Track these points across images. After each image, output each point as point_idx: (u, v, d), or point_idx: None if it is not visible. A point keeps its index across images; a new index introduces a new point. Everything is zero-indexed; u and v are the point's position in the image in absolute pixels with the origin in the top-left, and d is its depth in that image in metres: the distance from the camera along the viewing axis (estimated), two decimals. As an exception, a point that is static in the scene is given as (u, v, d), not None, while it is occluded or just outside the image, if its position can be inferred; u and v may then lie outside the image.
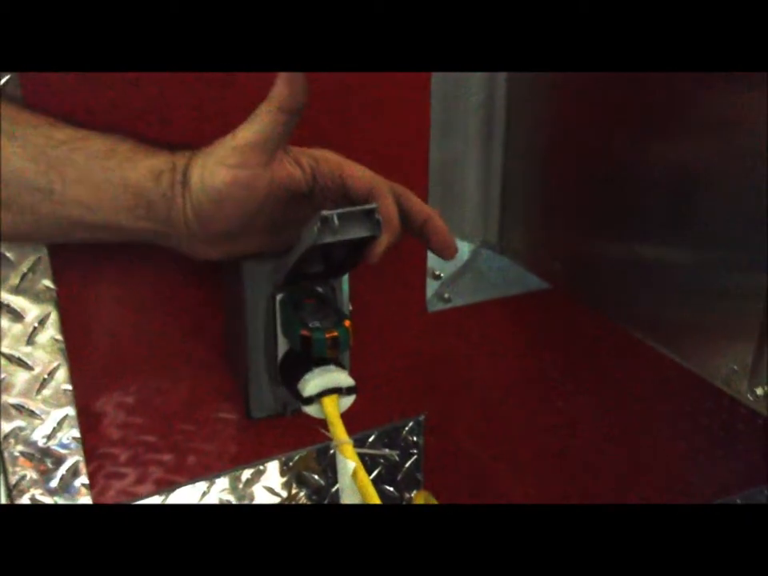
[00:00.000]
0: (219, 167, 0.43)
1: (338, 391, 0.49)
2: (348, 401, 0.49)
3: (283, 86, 0.41)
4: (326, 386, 0.48)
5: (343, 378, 0.49)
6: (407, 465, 0.67)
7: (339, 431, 0.48)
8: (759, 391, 0.43)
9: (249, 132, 0.42)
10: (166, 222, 0.44)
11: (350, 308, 0.56)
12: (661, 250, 0.50)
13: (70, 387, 0.52)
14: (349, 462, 0.46)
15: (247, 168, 0.43)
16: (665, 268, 0.49)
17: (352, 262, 0.48)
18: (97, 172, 0.42)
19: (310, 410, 0.49)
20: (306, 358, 0.49)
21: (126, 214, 0.43)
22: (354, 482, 0.47)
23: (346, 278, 0.54)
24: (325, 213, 0.42)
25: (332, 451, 0.63)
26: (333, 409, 0.48)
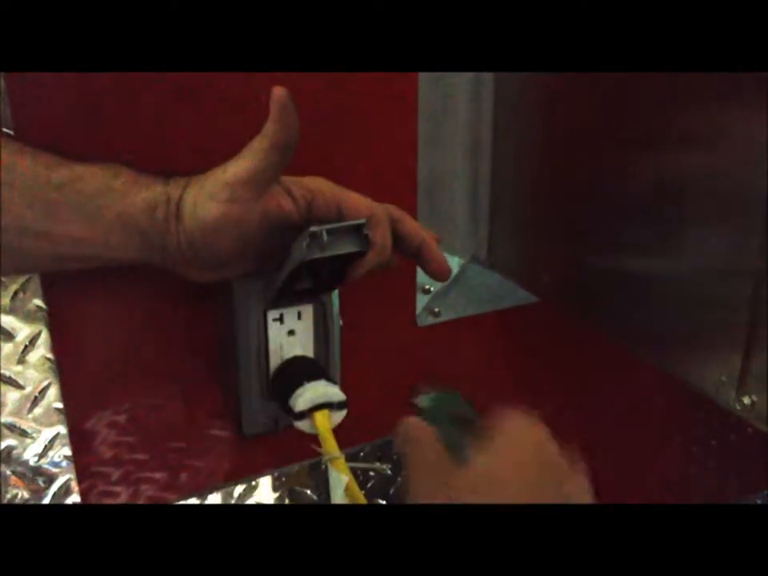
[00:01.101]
0: (210, 202, 0.43)
1: (329, 406, 0.49)
2: (339, 415, 0.50)
3: (276, 124, 0.42)
4: (318, 401, 0.49)
5: (334, 393, 0.49)
6: (400, 478, 0.67)
7: (331, 446, 0.48)
8: (746, 400, 0.44)
9: (240, 167, 0.43)
10: (160, 250, 0.44)
11: (341, 323, 0.56)
12: (648, 263, 0.50)
13: (61, 406, 0.52)
14: (341, 476, 0.47)
15: (238, 203, 0.43)
16: (652, 280, 0.50)
17: (340, 278, 0.49)
18: (93, 210, 0.42)
19: (302, 425, 0.49)
20: (296, 374, 0.50)
21: (121, 247, 0.44)
22: (347, 496, 0.47)
23: (336, 293, 0.55)
24: (314, 228, 0.42)
25: (324, 466, 0.63)
26: (324, 423, 0.48)
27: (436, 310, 0.64)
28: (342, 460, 0.47)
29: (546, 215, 0.58)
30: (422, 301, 0.63)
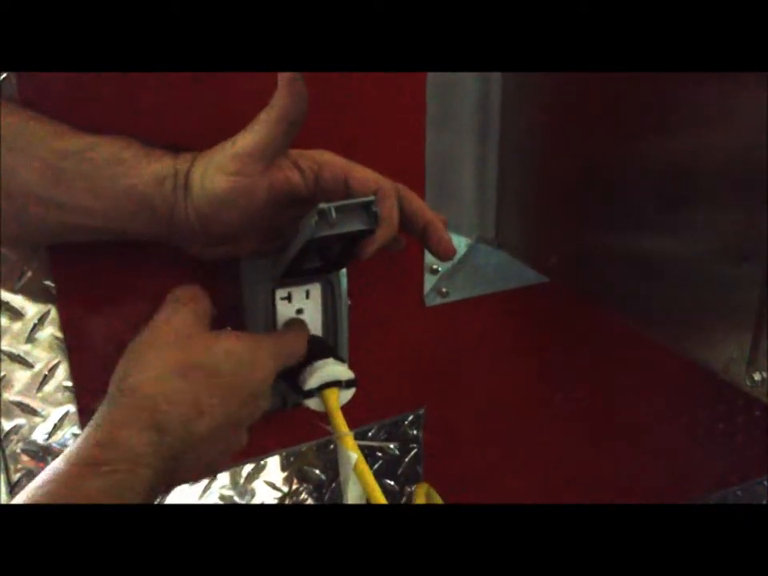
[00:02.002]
0: (218, 174, 0.43)
1: (337, 384, 0.49)
2: (348, 394, 0.50)
3: (284, 96, 0.41)
4: (326, 379, 0.49)
5: (343, 371, 0.49)
6: (407, 458, 0.67)
7: (340, 423, 0.48)
8: (757, 377, 0.43)
9: (248, 140, 0.43)
10: (168, 225, 0.44)
11: (348, 303, 0.56)
12: (657, 242, 0.50)
13: (70, 384, 0.52)
14: (350, 454, 0.47)
15: (246, 175, 0.43)
16: (661, 259, 0.49)
17: (349, 256, 0.48)
18: (103, 180, 0.42)
19: (311, 403, 0.49)
20: (306, 352, 0.50)
21: (130, 219, 0.44)
22: (356, 474, 0.47)
23: (344, 272, 0.55)
24: (322, 205, 0.42)
25: (332, 447, 0.63)
26: (333, 401, 0.49)
27: (444, 290, 0.64)
28: (351, 437, 0.48)
29: (554, 195, 0.57)
30: (429, 281, 0.63)
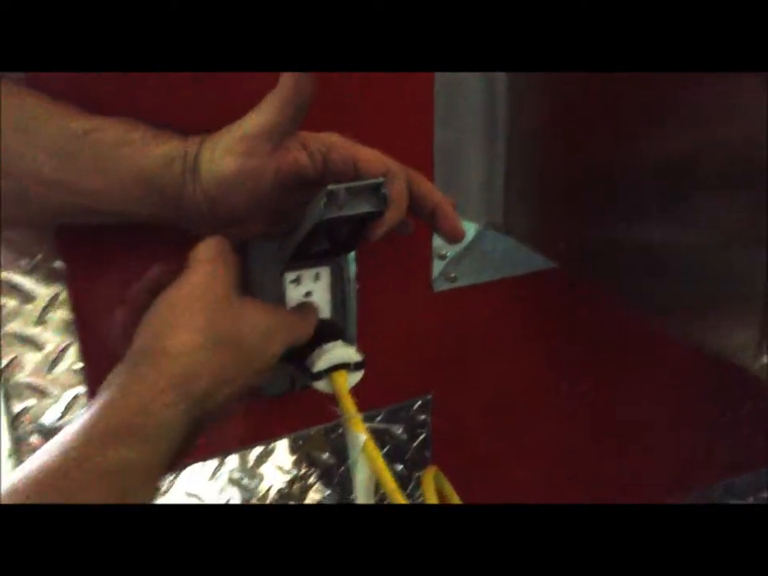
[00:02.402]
0: (226, 155, 0.43)
1: (346, 367, 0.49)
2: (356, 376, 0.50)
3: (291, 78, 0.42)
4: (335, 361, 0.49)
5: (351, 354, 0.49)
6: (415, 444, 0.67)
7: (349, 405, 0.48)
8: (765, 360, 0.43)
9: (256, 122, 0.43)
10: (176, 207, 0.44)
11: (357, 287, 0.56)
12: (663, 231, 0.50)
13: (81, 365, 0.52)
14: (359, 436, 0.47)
15: (254, 157, 0.43)
16: (668, 248, 0.49)
17: (357, 239, 0.48)
18: (110, 162, 0.42)
19: (320, 385, 0.49)
20: (314, 335, 0.50)
21: (137, 201, 0.44)
22: (364, 456, 0.47)
23: (352, 257, 0.55)
24: (331, 187, 0.42)
25: (341, 431, 0.64)
26: (342, 384, 0.49)
27: (452, 275, 0.64)
28: (360, 420, 0.48)
29: (562, 182, 0.57)
30: (438, 266, 0.63)
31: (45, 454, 0.36)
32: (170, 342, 0.40)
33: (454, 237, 0.49)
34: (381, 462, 0.48)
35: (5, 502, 0.33)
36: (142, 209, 0.44)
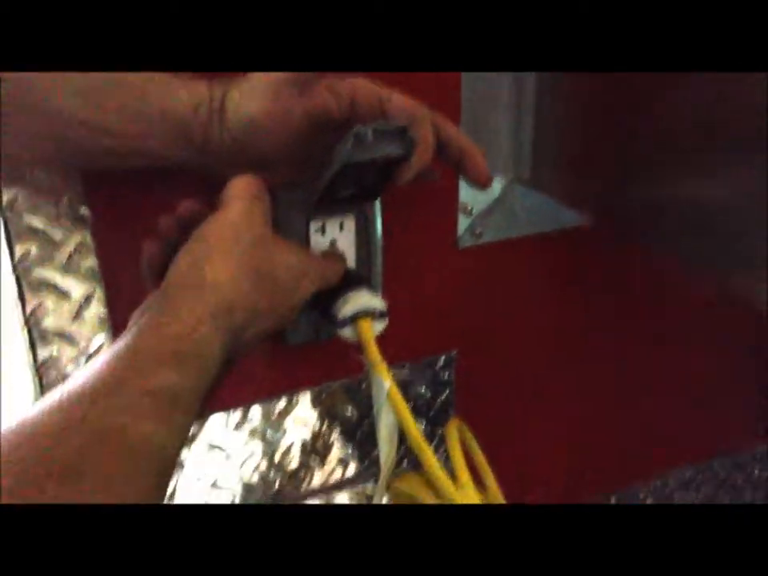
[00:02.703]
0: (254, 98, 0.43)
1: (371, 314, 0.49)
2: (381, 324, 0.50)
3: None
4: (360, 308, 0.48)
5: (377, 302, 0.49)
6: (438, 401, 0.67)
7: (373, 353, 0.48)
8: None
9: None
10: (203, 151, 0.44)
11: (382, 242, 0.56)
12: (696, 182, 0.49)
13: (106, 313, 0.53)
14: (384, 382, 0.47)
15: (281, 99, 0.43)
16: (700, 198, 0.49)
17: (384, 184, 0.48)
18: (138, 103, 0.42)
19: (344, 332, 0.49)
20: (339, 282, 0.49)
21: (164, 143, 0.44)
22: (389, 403, 0.47)
23: (378, 210, 0.54)
24: (358, 128, 0.42)
25: (363, 385, 0.63)
26: (367, 331, 0.48)
27: (478, 231, 0.63)
28: (385, 366, 0.47)
29: (592, 134, 0.56)
30: (463, 222, 0.62)
31: (75, 381, 0.35)
32: (208, 275, 0.39)
33: (482, 182, 0.48)
34: (405, 410, 0.47)
35: (29, 431, 0.33)
36: (168, 152, 0.44)
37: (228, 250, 0.40)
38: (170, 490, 0.60)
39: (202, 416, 0.41)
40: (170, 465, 0.35)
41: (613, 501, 0.83)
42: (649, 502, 0.85)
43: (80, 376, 0.35)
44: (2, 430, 0.32)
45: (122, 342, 0.37)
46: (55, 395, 0.34)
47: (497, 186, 0.62)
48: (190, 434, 0.58)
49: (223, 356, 0.39)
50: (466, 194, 0.61)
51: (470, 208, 0.62)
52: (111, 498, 0.31)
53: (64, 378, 0.53)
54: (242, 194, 0.42)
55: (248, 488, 0.62)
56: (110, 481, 0.31)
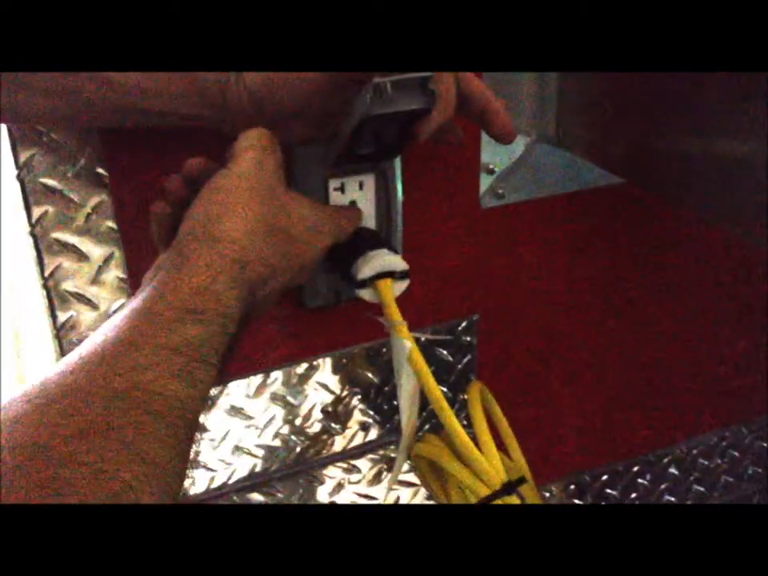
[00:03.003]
0: None
1: (391, 275, 0.48)
2: (402, 285, 0.49)
3: None
4: (380, 269, 0.48)
5: (397, 262, 0.48)
6: (460, 365, 0.66)
7: (394, 313, 0.47)
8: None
9: None
10: (221, 108, 0.43)
11: (402, 202, 0.55)
12: (722, 137, 0.47)
13: (125, 276, 0.52)
14: (405, 343, 0.46)
15: None
16: (726, 153, 0.47)
17: (404, 141, 0.47)
18: None
19: (364, 293, 0.48)
20: (358, 243, 0.49)
21: (182, 100, 0.43)
22: (410, 364, 0.46)
23: (398, 170, 0.53)
24: (377, 80, 0.41)
25: (384, 350, 0.63)
26: (387, 291, 0.48)
27: (500, 191, 0.62)
28: (405, 327, 0.47)
29: (617, 90, 0.55)
30: (485, 182, 0.61)
31: (95, 341, 0.34)
32: (224, 228, 0.38)
33: (505, 137, 0.47)
34: (426, 370, 0.47)
35: (53, 392, 0.32)
36: (186, 109, 0.43)
37: (242, 203, 0.39)
38: (192, 454, 0.60)
39: (222, 379, 0.40)
40: (193, 422, 0.35)
41: (635, 468, 0.82)
42: (672, 468, 0.84)
43: (99, 335, 0.34)
44: (26, 390, 0.32)
45: (138, 300, 0.36)
46: (74, 356, 0.33)
47: (520, 144, 0.61)
48: (211, 400, 0.58)
49: (241, 311, 0.38)
50: (489, 152, 0.60)
51: (492, 167, 0.61)
52: (135, 458, 0.30)
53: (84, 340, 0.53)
54: (253, 146, 0.41)
55: (270, 451, 0.62)
56: (135, 439, 0.31)
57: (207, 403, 0.36)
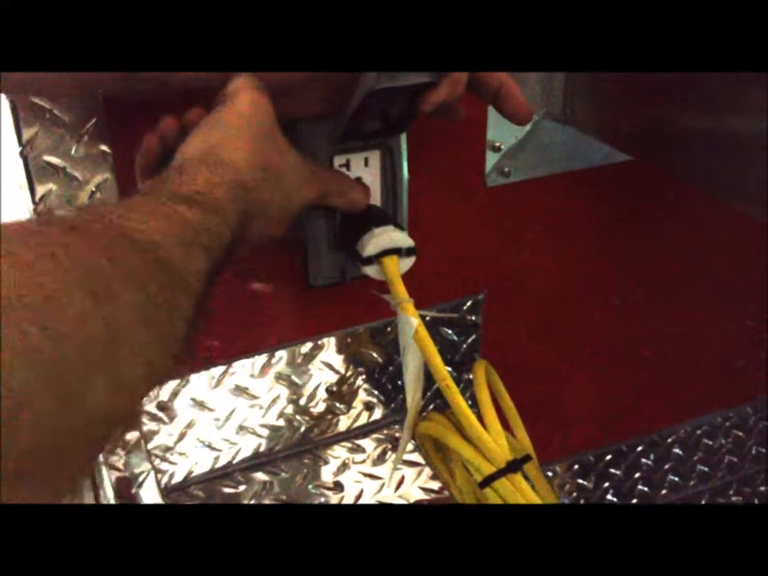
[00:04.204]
0: None
1: (397, 252, 0.48)
2: (408, 262, 0.49)
3: None
4: (386, 246, 0.47)
5: (403, 238, 0.48)
6: (465, 344, 0.66)
7: (400, 290, 0.47)
8: None
9: None
10: (226, 76, 0.43)
11: (408, 179, 0.54)
12: (737, 112, 0.47)
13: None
14: (411, 319, 0.46)
15: None
16: (736, 130, 0.47)
17: (410, 116, 0.46)
18: None
19: (370, 270, 0.48)
20: (364, 220, 0.48)
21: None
22: (416, 341, 0.46)
23: (404, 146, 0.53)
24: None
25: (389, 329, 0.63)
26: (393, 268, 0.47)
27: (506, 169, 0.61)
28: (411, 304, 0.46)
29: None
30: (491, 159, 0.61)
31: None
32: (224, 154, 0.38)
33: (521, 117, 0.47)
34: (432, 348, 0.47)
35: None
36: (193, 82, 0.43)
37: (240, 135, 0.39)
38: (197, 432, 0.60)
39: (202, 313, 0.38)
40: (190, 293, 0.33)
41: (639, 448, 0.82)
42: (676, 449, 0.84)
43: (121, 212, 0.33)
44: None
45: (153, 184, 0.36)
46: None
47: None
48: (216, 379, 0.58)
49: (234, 231, 0.37)
50: (494, 130, 0.60)
51: (498, 145, 0.60)
52: (134, 310, 0.29)
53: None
54: (245, 87, 0.41)
55: (274, 431, 0.62)
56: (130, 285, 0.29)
57: (201, 297, 0.35)
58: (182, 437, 0.59)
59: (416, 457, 0.68)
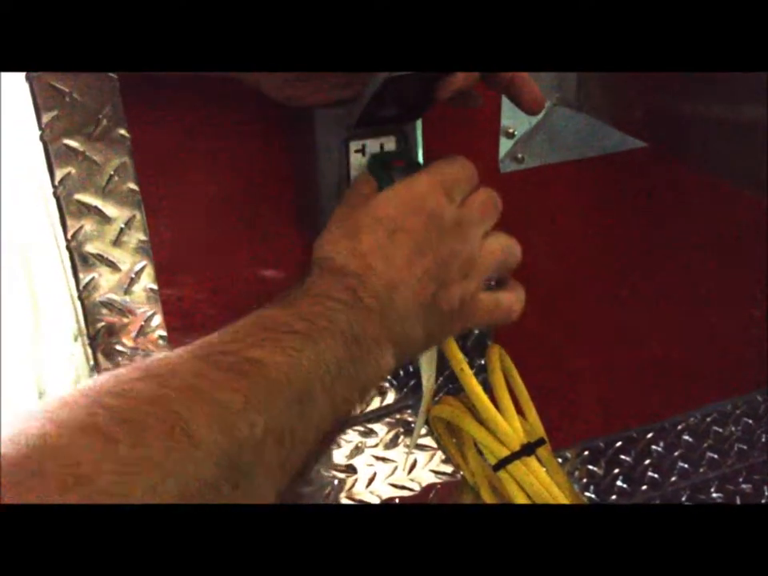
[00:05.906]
0: None
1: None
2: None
3: None
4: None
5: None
6: (477, 330, 0.66)
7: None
8: None
9: None
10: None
11: (422, 162, 0.55)
12: (753, 101, 0.47)
13: (146, 239, 0.53)
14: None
15: None
16: (749, 117, 0.47)
17: (425, 103, 0.47)
18: None
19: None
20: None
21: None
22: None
23: (420, 130, 0.53)
24: None
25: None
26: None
27: (519, 156, 0.61)
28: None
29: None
30: (505, 146, 0.61)
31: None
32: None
33: (534, 107, 0.47)
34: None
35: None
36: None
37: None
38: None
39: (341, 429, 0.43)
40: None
41: (649, 435, 0.82)
42: (686, 436, 0.85)
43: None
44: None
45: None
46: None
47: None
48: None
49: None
50: (508, 116, 0.60)
51: (512, 131, 0.60)
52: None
53: (105, 302, 0.53)
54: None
55: (288, 414, 0.63)
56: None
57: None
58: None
59: (428, 440, 0.69)
